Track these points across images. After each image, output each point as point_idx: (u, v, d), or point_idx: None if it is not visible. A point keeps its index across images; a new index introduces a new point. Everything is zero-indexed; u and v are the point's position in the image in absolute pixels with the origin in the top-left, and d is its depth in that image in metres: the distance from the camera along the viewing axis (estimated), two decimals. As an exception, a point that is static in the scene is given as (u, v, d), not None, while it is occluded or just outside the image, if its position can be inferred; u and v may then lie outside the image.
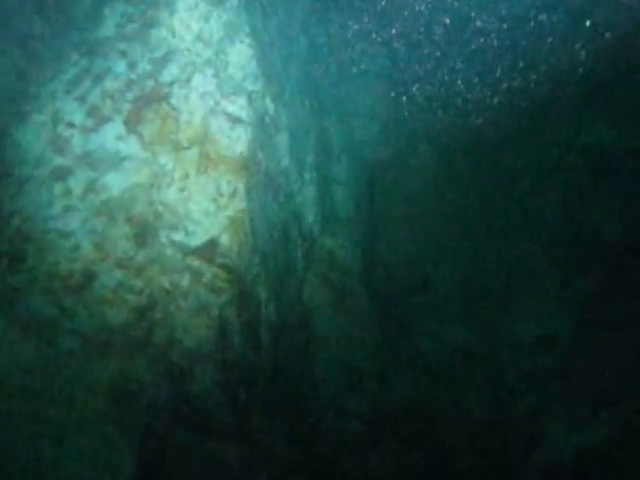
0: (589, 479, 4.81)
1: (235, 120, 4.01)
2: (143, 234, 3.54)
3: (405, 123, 6.87)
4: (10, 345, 3.00)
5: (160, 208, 3.65)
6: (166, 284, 3.48)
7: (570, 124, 6.33)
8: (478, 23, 6.37)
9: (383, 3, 6.55)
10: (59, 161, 3.57)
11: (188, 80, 3.91)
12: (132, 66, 3.82)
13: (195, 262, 3.62)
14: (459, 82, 6.67)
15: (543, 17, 6.19)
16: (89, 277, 3.32)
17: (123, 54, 3.86)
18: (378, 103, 6.96)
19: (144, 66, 3.84)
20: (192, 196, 3.75)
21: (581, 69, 6.22)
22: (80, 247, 3.38)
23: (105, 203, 3.53)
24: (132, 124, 3.73)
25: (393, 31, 6.56)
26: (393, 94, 6.93)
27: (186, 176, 3.76)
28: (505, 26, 6.30)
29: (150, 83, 3.82)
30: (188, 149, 3.80)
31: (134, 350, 3.24)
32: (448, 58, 6.67)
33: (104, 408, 3.00)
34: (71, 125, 3.65)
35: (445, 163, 6.74)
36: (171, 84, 3.86)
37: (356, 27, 6.62)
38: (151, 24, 3.96)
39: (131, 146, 3.71)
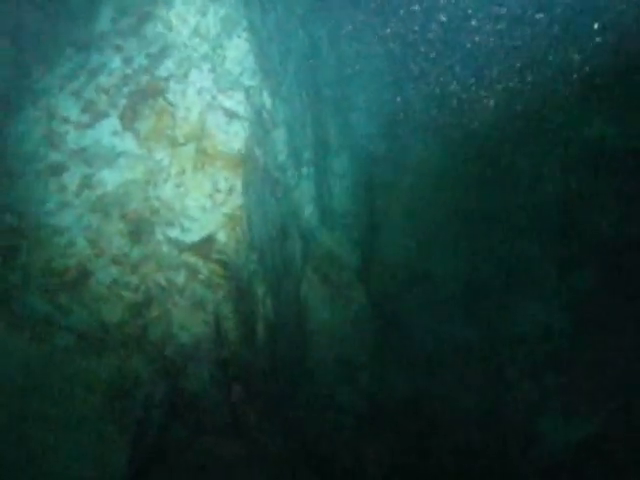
0: (584, 473, 4.84)
1: (232, 115, 3.98)
2: (139, 230, 3.52)
3: (404, 118, 6.83)
4: (4, 342, 2.98)
5: (156, 204, 3.63)
6: (162, 281, 3.47)
7: (570, 120, 6.31)
8: (475, 22, 6.34)
9: (382, -2, 6.51)
10: (54, 156, 3.55)
11: (185, 75, 3.87)
12: (128, 61, 3.79)
13: (191, 258, 3.61)
14: (458, 78, 6.64)
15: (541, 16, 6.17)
16: (84, 274, 3.30)
17: (118, 49, 3.82)
18: (377, 98, 6.93)
19: (140, 61, 3.81)
20: (188, 192, 3.73)
21: (581, 65, 6.19)
22: (75, 243, 3.36)
23: (100, 199, 3.51)
24: (128, 120, 3.70)
25: (392, 26, 6.52)
26: (392, 89, 6.90)
27: (182, 172, 3.74)
28: (503, 25, 6.28)
29: (146, 78, 3.78)
30: (184, 145, 3.78)
31: (130, 347, 3.23)
32: (447, 54, 6.63)
33: (100, 405, 2.98)
34: (66, 120, 3.62)
35: (445, 159, 6.71)
36: (167, 79, 3.83)
37: (355, 22, 6.58)
38: (147, 18, 3.92)
39: (127, 142, 3.68)
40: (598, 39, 5.97)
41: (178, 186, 3.71)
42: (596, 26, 5.93)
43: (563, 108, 6.34)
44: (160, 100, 3.77)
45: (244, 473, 3.55)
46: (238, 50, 4.17)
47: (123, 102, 3.71)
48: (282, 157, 4.79)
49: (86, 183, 3.54)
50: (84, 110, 3.67)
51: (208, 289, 3.58)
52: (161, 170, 3.70)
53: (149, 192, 3.63)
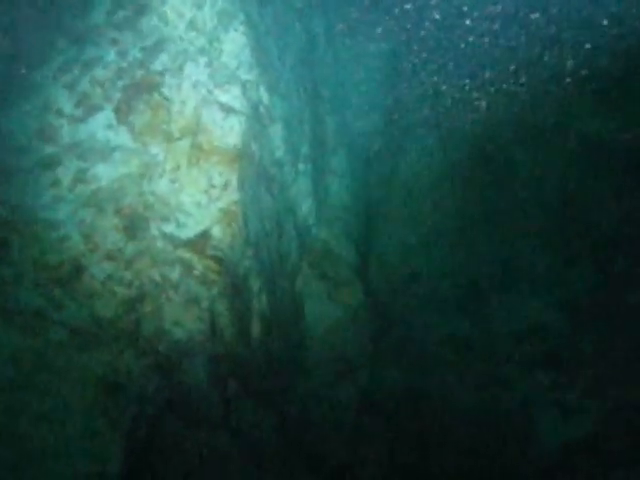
0: (582, 471, 4.85)
1: (228, 110, 3.95)
2: (133, 226, 3.50)
3: (402, 113, 6.81)
4: (-4, 337, 2.97)
5: (151, 199, 3.61)
6: (156, 276, 3.45)
7: (567, 114, 6.29)
8: (469, 21, 6.32)
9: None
10: (47, 150, 3.52)
11: (180, 69, 3.84)
12: (122, 54, 3.75)
13: (186, 254, 3.59)
14: (457, 73, 6.61)
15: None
16: (78, 269, 3.28)
17: (113, 42, 3.79)
18: (375, 93, 6.90)
19: (135, 54, 3.77)
20: (184, 188, 3.70)
21: (579, 61, 6.16)
22: (69, 238, 3.34)
23: (95, 194, 3.49)
24: (122, 114, 3.67)
25: (392, 21, 6.48)
26: (391, 84, 6.87)
27: (177, 167, 3.71)
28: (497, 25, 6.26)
29: (141, 72, 3.75)
30: (180, 140, 3.75)
31: (123, 342, 3.22)
32: (447, 49, 6.60)
33: (93, 400, 2.97)
34: (60, 114, 3.59)
35: (442, 156, 6.70)
36: (162, 73, 3.80)
37: (354, 16, 6.54)
38: (142, 11, 3.88)
39: (121, 136, 3.65)
40: (596, 36, 5.95)
41: (173, 181, 3.69)
42: (594, 23, 5.91)
43: (561, 104, 6.33)
44: (155, 94, 3.74)
45: (238, 469, 3.56)
46: (235, 44, 4.14)
47: (118, 96, 3.68)
48: (279, 153, 4.76)
49: (80, 177, 3.52)
50: (78, 103, 3.64)
51: (203, 285, 3.56)
52: (156, 165, 3.68)
53: (144, 187, 3.61)
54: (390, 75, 6.90)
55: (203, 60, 3.94)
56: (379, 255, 6.44)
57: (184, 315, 3.45)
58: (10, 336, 2.99)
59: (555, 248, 6.05)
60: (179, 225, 3.63)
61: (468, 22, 6.30)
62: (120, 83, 3.71)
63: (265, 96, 4.46)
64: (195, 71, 3.89)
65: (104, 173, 3.56)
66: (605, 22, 5.93)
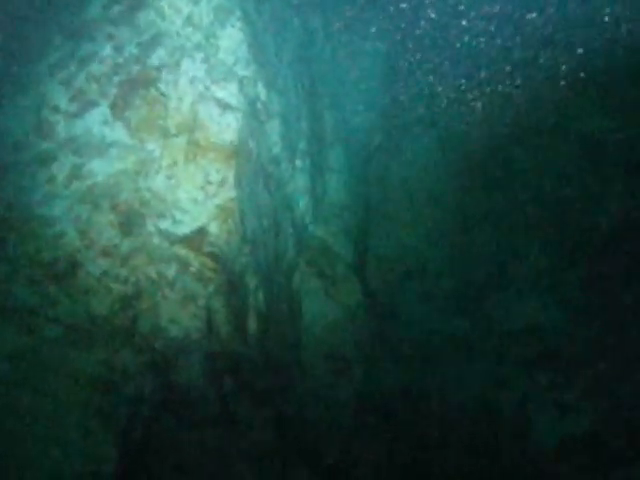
0: (577, 468, 4.86)
1: (225, 106, 3.93)
2: (129, 222, 3.48)
3: (401, 109, 6.79)
4: (-9, 334, 2.95)
5: (147, 196, 3.59)
6: (152, 273, 3.43)
7: (566, 114, 6.28)
8: (465, 22, 6.31)
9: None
10: (43, 146, 3.49)
11: (177, 65, 3.81)
12: (119, 49, 3.72)
13: (182, 251, 3.57)
14: (455, 70, 6.59)
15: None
16: (73, 265, 3.26)
17: (109, 37, 3.76)
18: (374, 89, 6.88)
19: (131, 50, 3.74)
20: (180, 184, 3.68)
21: (577, 59, 6.15)
22: (64, 235, 3.32)
23: (90, 190, 3.47)
24: (119, 109, 3.64)
25: (390, 16, 6.45)
26: (389, 80, 6.85)
27: (174, 164, 3.69)
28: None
29: (137, 67, 3.73)
30: (176, 136, 3.73)
31: (119, 340, 3.21)
32: (444, 48, 6.58)
33: (87, 398, 2.96)
34: (56, 109, 3.57)
35: (440, 153, 6.69)
36: (159, 68, 3.77)
37: (352, 11, 6.50)
38: (138, 6, 3.85)
39: (117, 132, 3.63)
40: (594, 34, 5.94)
41: (169, 177, 3.66)
42: (592, 21, 5.90)
43: (559, 102, 6.32)
44: (152, 90, 3.71)
45: (235, 467, 3.55)
46: (232, 40, 4.11)
47: (114, 91, 3.65)
48: (276, 149, 4.74)
49: (76, 173, 3.49)
50: (74, 99, 3.62)
51: (199, 282, 3.55)
52: (152, 161, 3.65)
53: (140, 183, 3.59)
54: (388, 71, 6.88)
55: (200, 56, 3.91)
56: (377, 253, 6.43)
57: (180, 312, 3.44)
58: (5, 333, 2.98)
59: (553, 247, 6.05)
60: (175, 222, 3.61)
61: (464, 21, 6.29)
62: (116, 79, 3.69)
63: (262, 92, 4.44)
64: (192, 67, 3.86)
65: (100, 169, 3.54)
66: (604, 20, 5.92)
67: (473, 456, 5.14)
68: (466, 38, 6.45)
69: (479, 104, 6.55)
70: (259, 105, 4.42)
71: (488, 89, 6.51)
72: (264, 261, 4.33)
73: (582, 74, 6.12)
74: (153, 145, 3.66)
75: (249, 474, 3.59)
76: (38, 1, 3.86)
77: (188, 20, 3.98)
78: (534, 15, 6.14)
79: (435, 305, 6.12)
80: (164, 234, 3.55)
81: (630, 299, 5.44)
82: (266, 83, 4.51)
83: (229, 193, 3.78)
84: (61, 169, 3.47)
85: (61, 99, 3.62)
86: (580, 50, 6.00)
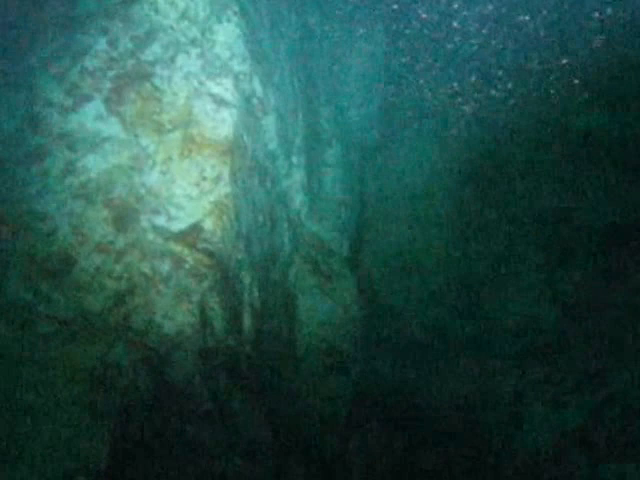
0: (569, 464, 4.89)
1: (220, 102, 3.91)
2: (123, 218, 3.46)
3: (398, 105, 6.77)
4: (-17, 330, 2.94)
5: (141, 191, 3.57)
6: (146, 269, 3.42)
7: (561, 110, 6.27)
8: (466, 13, 6.28)
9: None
10: (36, 141, 3.46)
11: (172, 60, 3.78)
12: (113, 43, 3.69)
13: (177, 247, 3.56)
14: (454, 65, 6.57)
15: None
16: (67, 261, 3.24)
17: (104, 30, 3.72)
18: (372, 84, 6.85)
19: (126, 44, 3.71)
20: (175, 180, 3.66)
21: (575, 57, 6.14)
22: (58, 230, 3.30)
23: (84, 185, 3.44)
24: (113, 104, 3.61)
25: (389, 10, 6.42)
26: (388, 75, 6.83)
27: (169, 159, 3.67)
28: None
29: (132, 62, 3.69)
30: (171, 131, 3.70)
31: (112, 336, 3.19)
32: (443, 40, 6.56)
33: (80, 394, 2.95)
34: (49, 103, 3.53)
35: (436, 148, 6.68)
36: (154, 63, 3.74)
37: (351, 6, 6.47)
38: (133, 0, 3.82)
39: (112, 127, 3.60)
40: (592, 32, 5.92)
41: (164, 173, 3.64)
42: (589, 19, 5.88)
43: (555, 99, 6.31)
44: (146, 85, 3.68)
45: (228, 462, 3.55)
46: (228, 35, 4.08)
47: (108, 86, 3.62)
48: (272, 145, 4.72)
49: (70, 168, 3.47)
50: (68, 93, 3.58)
51: (193, 278, 3.54)
52: (147, 156, 3.63)
53: (134, 179, 3.57)
54: (386, 66, 6.86)
55: (195, 51, 3.88)
56: (372, 248, 6.44)
57: (174, 308, 3.42)
58: (-3, 329, 2.97)
59: (549, 243, 6.06)
60: (170, 218, 3.59)
61: (465, 13, 6.26)
62: (111, 73, 3.65)
63: (258, 88, 4.41)
64: (187, 62, 3.83)
65: (94, 164, 3.51)
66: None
67: (467, 450, 5.17)
68: (466, 32, 6.43)
69: (477, 100, 6.54)
70: (255, 101, 4.39)
71: (486, 85, 6.50)
72: (259, 257, 4.32)
73: (581, 71, 6.11)
74: (147, 140, 3.64)
75: (244, 471, 3.59)
76: (31, -7, 3.82)
77: (183, 14, 3.94)
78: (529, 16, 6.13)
79: (431, 301, 6.13)
80: (158, 230, 3.54)
81: (626, 295, 5.46)
82: (262, 78, 4.48)
83: (224, 189, 3.76)
84: (55, 164, 3.44)
85: (55, 93, 3.59)
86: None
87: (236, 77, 4.09)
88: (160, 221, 3.56)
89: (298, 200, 5.25)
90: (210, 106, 3.83)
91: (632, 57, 5.94)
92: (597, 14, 5.79)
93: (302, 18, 5.83)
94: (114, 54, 3.69)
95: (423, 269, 6.33)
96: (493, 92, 6.26)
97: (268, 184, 4.64)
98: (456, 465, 5.12)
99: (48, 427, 2.74)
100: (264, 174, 4.54)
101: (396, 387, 5.59)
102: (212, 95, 3.86)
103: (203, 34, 3.99)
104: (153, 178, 3.61)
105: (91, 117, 3.59)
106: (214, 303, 3.59)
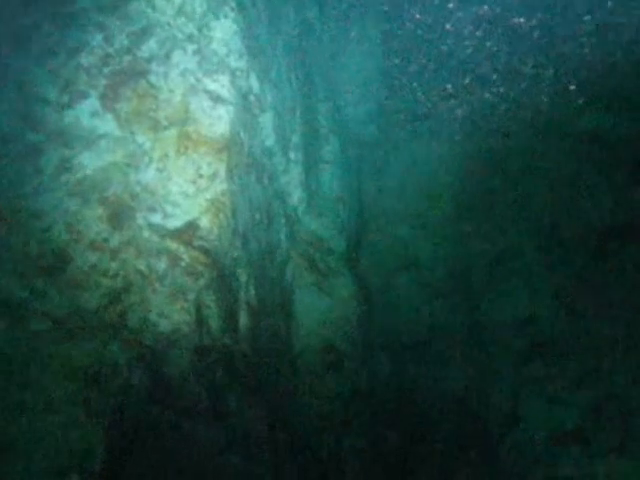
0: (564, 460, 4.91)
1: (217, 99, 3.89)
2: (119, 215, 3.45)
3: (396, 101, 6.75)
4: (-23, 328, 2.94)
5: (137, 189, 3.55)
6: (142, 267, 3.41)
7: (561, 109, 6.26)
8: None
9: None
10: (31, 138, 3.44)
11: (168, 56, 3.76)
12: (109, 40, 3.66)
13: (173, 245, 3.55)
14: (452, 62, 6.55)
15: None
16: (62, 259, 3.23)
17: (99, 26, 3.69)
18: (370, 80, 6.83)
19: (121, 40, 3.69)
20: (171, 177, 3.65)
21: (575, 56, 6.12)
22: (53, 228, 3.29)
23: (79, 183, 3.43)
24: (108, 101, 3.59)
25: (381, 10, 6.39)
26: (386, 71, 6.80)
27: (165, 156, 3.65)
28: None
29: (127, 58, 3.67)
30: (167, 129, 3.69)
31: (108, 334, 3.19)
32: (442, 35, 6.53)
33: (75, 392, 2.95)
34: (44, 100, 3.51)
35: (435, 144, 6.66)
36: (150, 60, 3.72)
37: (345, 4, 6.43)
38: (129, -5, 3.79)
39: (107, 124, 3.58)
40: (591, 29, 5.90)
41: (160, 171, 3.63)
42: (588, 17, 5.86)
43: (556, 97, 6.29)
44: (142, 81, 3.66)
45: (225, 461, 3.56)
46: (225, 31, 4.06)
47: (103, 82, 3.60)
48: (269, 142, 4.70)
49: (65, 166, 3.45)
50: (63, 90, 3.56)
51: (189, 276, 3.53)
52: (143, 154, 3.62)
53: (130, 176, 3.55)
54: (385, 62, 6.83)
55: (192, 47, 3.86)
56: (370, 245, 6.43)
57: (170, 306, 3.42)
58: (-8, 327, 2.96)
59: (548, 240, 6.06)
60: (166, 215, 3.58)
61: (460, 9, 6.23)
62: (106, 69, 3.63)
63: (255, 84, 4.39)
64: (183, 59, 3.81)
65: (89, 162, 3.49)
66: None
67: (463, 447, 5.19)
68: (465, 27, 6.40)
69: (475, 96, 6.52)
70: (252, 97, 4.37)
71: (485, 81, 6.47)
72: (256, 254, 4.31)
73: (581, 70, 6.10)
74: (143, 138, 3.62)
75: (239, 468, 3.60)
76: (26, -12, 3.78)
77: (180, 10, 3.92)
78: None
79: (428, 298, 6.13)
80: (154, 228, 3.53)
81: (624, 293, 5.47)
82: (259, 75, 4.46)
83: (220, 186, 3.75)
84: (50, 161, 3.43)
85: (50, 90, 3.56)
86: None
87: (233, 74, 4.07)
88: (156, 219, 3.55)
89: (295, 197, 5.24)
90: (206, 103, 3.81)
91: (626, 60, 5.94)
92: (589, 17, 5.78)
93: (301, 14, 5.80)
94: (110, 50, 3.66)
95: (421, 266, 6.32)
96: (497, 80, 6.23)
97: (265, 181, 4.62)
98: (453, 463, 5.14)
99: (42, 425, 2.74)
100: (261, 171, 4.53)
101: (394, 385, 5.59)
102: (208, 92, 3.85)
103: (200, 30, 3.96)
104: (149, 175, 3.60)
105: (86, 114, 3.58)
106: (210, 301, 3.58)
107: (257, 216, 4.40)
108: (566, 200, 6.07)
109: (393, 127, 6.68)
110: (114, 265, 3.35)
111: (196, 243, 3.60)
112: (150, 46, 3.74)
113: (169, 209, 3.60)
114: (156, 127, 3.65)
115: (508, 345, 5.70)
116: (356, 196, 6.37)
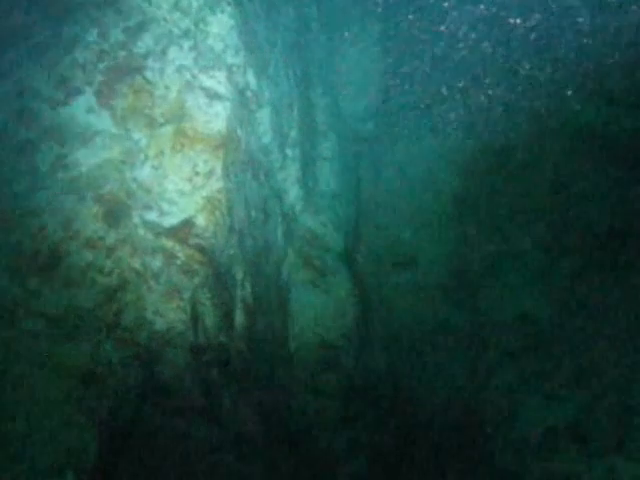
0: (560, 456, 4.93)
1: (213, 95, 3.86)
2: (114, 213, 3.43)
3: (395, 97, 6.72)
4: (-30, 327, 2.92)
5: (133, 187, 3.53)
6: (137, 265, 3.39)
7: (560, 106, 6.24)
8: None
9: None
10: (25, 135, 3.41)
11: (164, 52, 3.72)
12: (104, 35, 3.62)
13: (168, 243, 3.53)
14: (453, 56, 6.51)
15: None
16: (56, 257, 3.21)
17: (95, 21, 3.65)
18: (368, 76, 6.79)
19: (117, 35, 3.65)
20: (167, 175, 3.62)
21: (574, 51, 6.09)
22: (47, 226, 3.26)
23: (74, 180, 3.40)
24: (104, 97, 3.56)
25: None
26: (385, 66, 6.77)
27: (161, 154, 3.63)
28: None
29: (123, 54, 3.63)
30: (163, 126, 3.66)
31: (103, 332, 3.17)
32: (443, 33, 6.49)
33: (70, 391, 2.94)
34: (38, 96, 3.47)
35: (434, 140, 6.64)
36: (145, 56, 3.68)
37: (343, 1, 6.40)
38: (125, -10, 3.75)
39: (103, 121, 3.55)
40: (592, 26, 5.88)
41: (156, 168, 3.60)
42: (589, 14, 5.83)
43: (556, 92, 6.27)
44: (138, 78, 3.63)
45: (220, 459, 3.55)
46: (221, 26, 4.02)
47: (99, 78, 3.56)
48: (266, 139, 4.68)
49: (60, 163, 3.42)
50: (58, 86, 3.52)
51: (185, 274, 3.51)
52: (138, 151, 3.59)
53: (126, 174, 3.53)
54: (384, 58, 6.79)
55: (188, 43, 3.82)
56: (367, 242, 6.41)
57: (166, 305, 3.40)
58: (-15, 325, 2.94)
59: (546, 238, 6.05)
60: (162, 213, 3.56)
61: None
62: (101, 65, 3.59)
63: (252, 80, 4.36)
64: (179, 54, 3.77)
65: (85, 159, 3.46)
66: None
67: (460, 444, 5.20)
68: (465, 25, 6.36)
69: (475, 93, 6.49)
70: (249, 93, 4.34)
71: (485, 77, 6.44)
72: (252, 252, 4.30)
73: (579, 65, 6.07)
74: (139, 135, 3.59)
75: (234, 466, 3.60)
76: (20, -17, 3.74)
77: (176, 5, 3.88)
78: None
79: (425, 296, 6.13)
80: (150, 226, 3.51)
81: (622, 291, 5.47)
82: (256, 71, 4.43)
83: (217, 184, 3.73)
84: (44, 159, 3.40)
85: (44, 86, 3.53)
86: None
87: (229, 70, 4.03)
88: (151, 216, 3.53)
89: (293, 194, 5.22)
90: (203, 100, 3.78)
91: (622, 62, 5.93)
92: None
93: (299, 10, 5.76)
94: (105, 46, 3.63)
95: (419, 264, 6.31)
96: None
97: (262, 178, 4.60)
98: (449, 459, 5.15)
99: (37, 424, 2.73)
100: (258, 168, 4.50)
101: (390, 382, 5.59)
102: (205, 89, 3.81)
103: (196, 25, 3.92)
104: (145, 173, 3.57)
105: (82, 110, 3.54)
106: (205, 299, 3.57)
107: (253, 214, 4.38)
108: (566, 198, 6.06)
109: (392, 124, 6.66)
110: (109, 263, 3.32)
111: (192, 241, 3.58)
112: (146, 42, 3.70)
113: (165, 207, 3.58)
114: (152, 124, 3.62)
115: (506, 343, 5.70)
116: (354, 193, 6.35)
